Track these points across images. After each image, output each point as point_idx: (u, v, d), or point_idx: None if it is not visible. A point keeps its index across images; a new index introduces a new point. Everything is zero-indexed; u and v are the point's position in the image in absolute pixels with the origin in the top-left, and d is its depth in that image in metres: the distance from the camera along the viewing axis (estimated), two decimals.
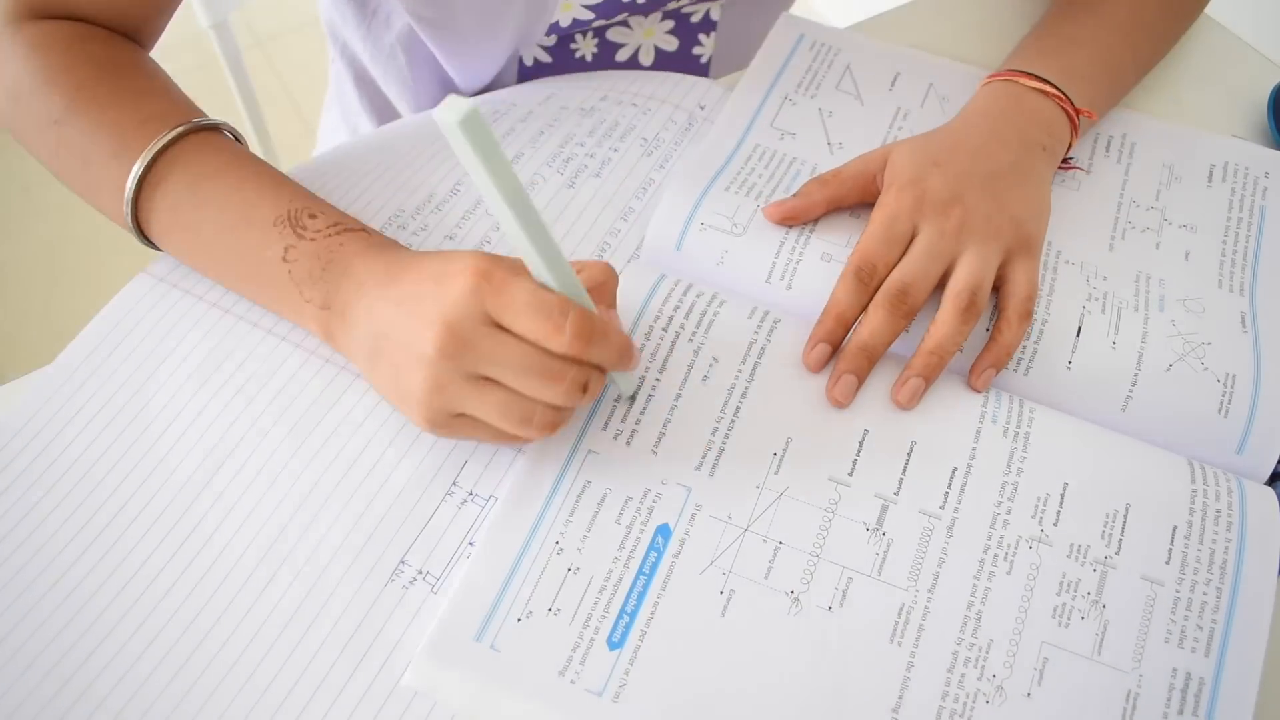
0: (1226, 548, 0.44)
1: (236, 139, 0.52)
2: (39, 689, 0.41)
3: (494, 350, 0.40)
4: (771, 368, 0.49)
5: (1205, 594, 0.43)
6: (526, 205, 0.37)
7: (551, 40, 0.66)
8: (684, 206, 0.54)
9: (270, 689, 0.41)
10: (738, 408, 0.48)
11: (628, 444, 0.46)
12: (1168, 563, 0.44)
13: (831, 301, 0.49)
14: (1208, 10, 0.72)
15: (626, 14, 0.65)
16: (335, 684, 0.42)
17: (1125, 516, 0.45)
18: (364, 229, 0.48)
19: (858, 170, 0.54)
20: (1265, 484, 0.49)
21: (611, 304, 0.45)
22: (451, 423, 0.43)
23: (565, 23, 0.63)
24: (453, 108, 0.33)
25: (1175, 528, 0.45)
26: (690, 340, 0.49)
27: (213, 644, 0.42)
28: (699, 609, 0.43)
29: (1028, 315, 0.49)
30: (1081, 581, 0.44)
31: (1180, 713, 0.41)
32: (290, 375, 0.49)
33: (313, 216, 0.48)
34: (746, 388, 0.48)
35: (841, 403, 0.48)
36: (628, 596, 0.43)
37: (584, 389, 0.41)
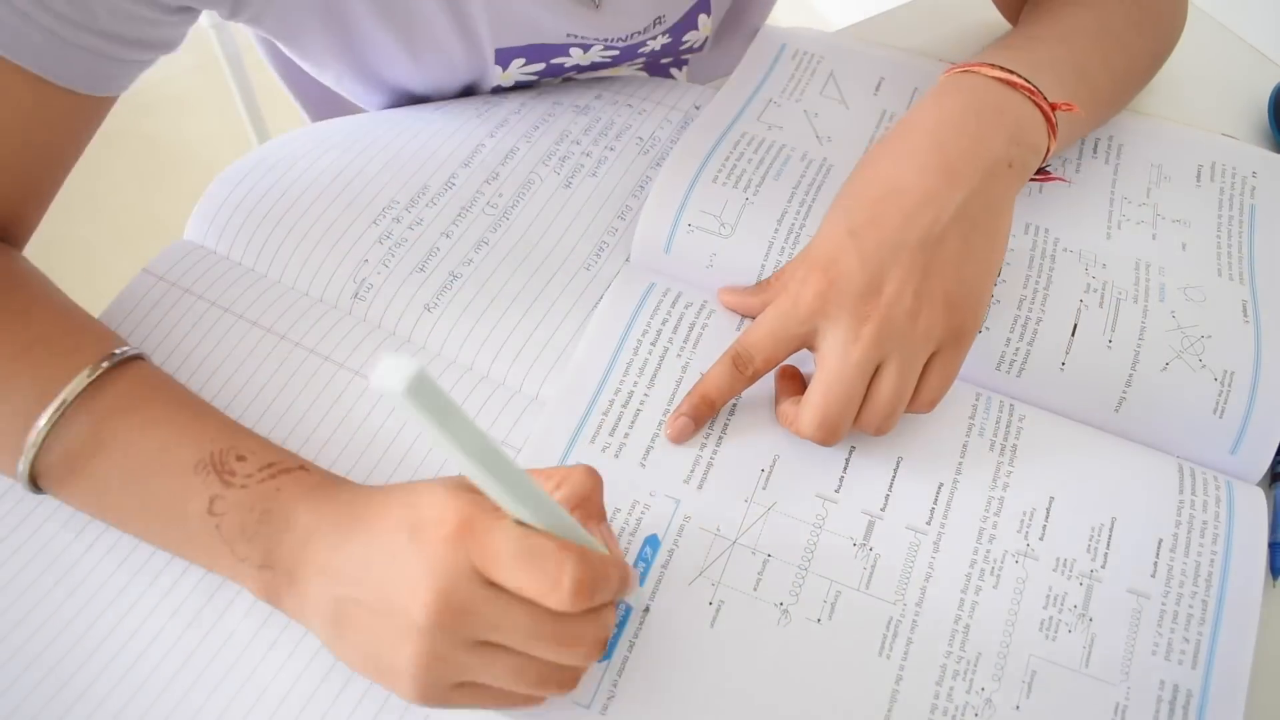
0: (1212, 560, 0.45)
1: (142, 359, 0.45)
2: (39, 689, 0.41)
3: (498, 617, 0.35)
4: (759, 385, 0.48)
5: (1191, 607, 0.44)
6: (495, 455, 0.31)
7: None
8: (670, 206, 0.54)
9: (270, 689, 0.42)
10: (725, 424, 0.48)
11: (616, 456, 0.46)
12: (1153, 576, 0.44)
13: (703, 379, 0.47)
14: (1208, 10, 0.71)
15: (571, 74, 0.63)
16: (335, 685, 0.42)
17: (1111, 530, 0.45)
18: (303, 467, 0.41)
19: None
20: (1267, 483, 0.49)
21: (600, 516, 0.39)
22: (450, 694, 0.37)
23: (508, 84, 0.62)
24: (394, 372, 0.26)
25: (1161, 540, 0.45)
26: (679, 355, 0.49)
27: (213, 644, 0.42)
28: (688, 620, 0.43)
29: (921, 410, 0.46)
30: (1068, 595, 0.44)
31: None
32: (290, 374, 0.49)
33: (241, 459, 0.41)
34: (734, 404, 0.48)
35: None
36: (615, 608, 0.43)
37: (603, 644, 0.37)
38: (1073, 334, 0.50)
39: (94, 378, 0.42)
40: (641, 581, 0.44)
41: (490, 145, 0.59)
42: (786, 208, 0.54)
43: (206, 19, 1.01)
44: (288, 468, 0.41)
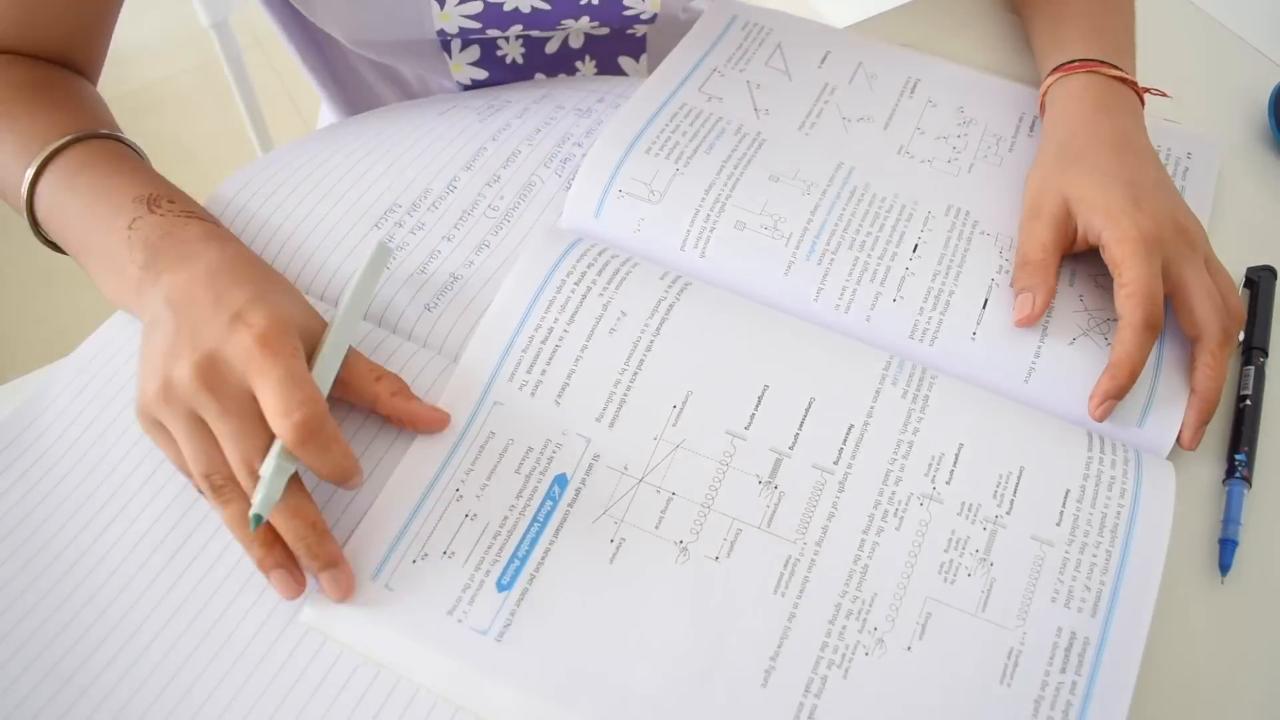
0: (1119, 512, 0.44)
1: (138, 154, 0.53)
2: (39, 688, 0.41)
3: (224, 408, 0.41)
4: (679, 322, 0.49)
5: (1095, 556, 0.43)
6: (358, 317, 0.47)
7: (475, 54, 0.66)
8: (604, 172, 0.54)
9: (270, 689, 0.41)
10: (641, 360, 0.48)
11: (532, 395, 0.47)
12: (1058, 524, 0.44)
13: (1126, 357, 0.47)
14: (1208, 10, 0.72)
15: (520, 26, 0.64)
16: (336, 683, 0.41)
17: (1019, 478, 0.45)
18: (218, 223, 0.49)
19: (1043, 230, 0.52)
20: (1221, 482, 0.50)
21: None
22: (154, 427, 0.44)
23: (452, 30, 0.63)
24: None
25: (1068, 491, 0.45)
26: (600, 295, 0.50)
27: (213, 643, 0.42)
28: (588, 556, 0.43)
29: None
30: (970, 539, 0.44)
31: (1063, 670, 0.41)
32: None
33: (171, 201, 0.49)
34: (652, 342, 0.49)
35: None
36: (520, 542, 0.43)
37: (262, 501, 0.41)
38: (984, 306, 0.51)
39: (75, 139, 0.50)
40: (544, 519, 0.44)
41: (492, 148, 0.59)
42: (715, 179, 0.55)
43: (206, 19, 1.03)
44: (204, 217, 0.49)
